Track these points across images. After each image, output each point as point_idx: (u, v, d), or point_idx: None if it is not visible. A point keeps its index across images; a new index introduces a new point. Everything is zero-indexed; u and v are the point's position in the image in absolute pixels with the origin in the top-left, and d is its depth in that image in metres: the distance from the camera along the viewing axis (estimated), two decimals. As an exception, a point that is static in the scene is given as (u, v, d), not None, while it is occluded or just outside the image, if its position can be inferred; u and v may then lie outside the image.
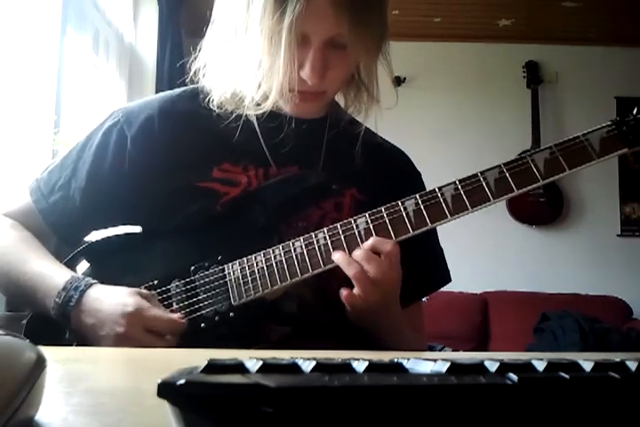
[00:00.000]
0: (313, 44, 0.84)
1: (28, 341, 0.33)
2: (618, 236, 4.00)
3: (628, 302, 3.64)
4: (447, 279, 1.04)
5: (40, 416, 0.31)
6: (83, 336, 0.83)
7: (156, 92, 3.03)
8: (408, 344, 0.92)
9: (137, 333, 0.78)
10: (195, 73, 0.94)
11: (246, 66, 0.87)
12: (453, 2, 3.67)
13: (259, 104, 0.89)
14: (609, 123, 0.83)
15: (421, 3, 3.63)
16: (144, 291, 0.84)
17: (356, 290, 0.80)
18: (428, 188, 0.90)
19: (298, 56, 0.83)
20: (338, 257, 0.81)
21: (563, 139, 0.83)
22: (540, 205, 3.90)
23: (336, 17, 0.82)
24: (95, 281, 0.84)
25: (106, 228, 0.97)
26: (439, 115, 4.04)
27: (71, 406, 0.36)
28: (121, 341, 0.78)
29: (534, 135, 3.97)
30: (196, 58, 0.93)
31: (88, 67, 2.75)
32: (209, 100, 0.93)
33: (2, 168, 1.93)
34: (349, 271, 0.80)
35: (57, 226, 0.96)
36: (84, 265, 0.92)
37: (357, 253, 0.80)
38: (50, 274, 0.86)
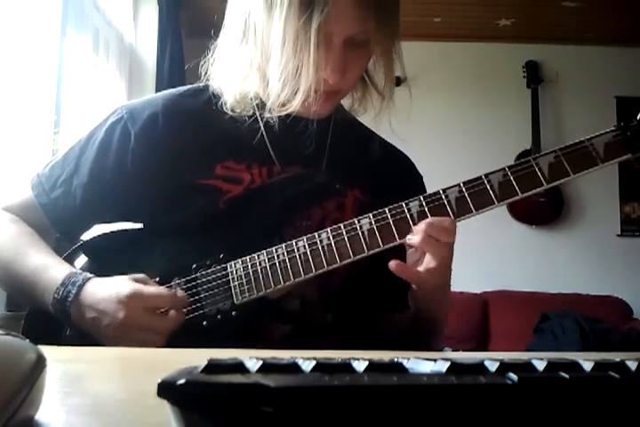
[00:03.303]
0: (335, 44, 0.84)
1: (27, 340, 0.33)
2: (618, 236, 4.00)
3: (628, 302, 3.64)
4: None
5: (40, 416, 0.31)
6: (85, 332, 0.83)
7: (156, 92, 3.02)
8: (442, 335, 0.96)
9: (139, 315, 0.78)
10: (206, 74, 0.94)
11: (267, 68, 0.87)
12: (453, 2, 3.67)
13: (282, 106, 0.88)
14: (613, 128, 0.83)
15: (421, 3, 3.62)
16: (138, 275, 0.84)
17: (431, 264, 0.80)
18: (428, 189, 0.90)
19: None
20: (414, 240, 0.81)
21: (566, 142, 0.83)
22: (540, 205, 3.90)
23: (361, 17, 0.83)
24: (92, 275, 0.84)
25: (107, 224, 0.97)
26: (439, 114, 4.04)
27: (71, 406, 0.36)
28: (125, 327, 0.78)
29: (534, 135, 3.97)
30: (207, 59, 0.93)
31: (88, 67, 2.75)
32: (219, 102, 0.93)
33: (2, 168, 1.93)
34: (428, 248, 0.80)
35: (58, 221, 0.96)
36: (83, 261, 0.92)
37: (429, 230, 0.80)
38: (49, 269, 0.86)
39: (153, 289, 0.82)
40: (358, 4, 0.82)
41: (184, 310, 0.84)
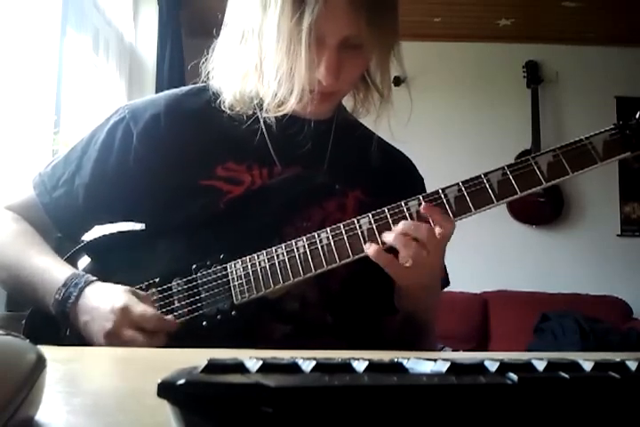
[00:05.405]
0: (328, 45, 0.84)
1: (27, 341, 0.33)
2: (618, 236, 4.00)
3: (628, 302, 3.64)
4: (446, 283, 1.04)
5: (40, 416, 0.31)
6: (80, 333, 0.83)
7: (156, 92, 3.03)
8: (434, 336, 0.95)
9: (124, 329, 0.78)
10: (207, 74, 0.94)
11: (263, 68, 0.87)
12: (453, 2, 3.67)
13: (278, 106, 0.88)
14: (612, 126, 0.83)
15: (421, 3, 3.62)
16: (140, 291, 0.84)
17: (406, 260, 0.80)
18: (428, 189, 0.90)
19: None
20: (390, 238, 0.81)
21: (566, 142, 0.83)
22: (540, 205, 3.90)
23: (353, 17, 0.83)
24: (95, 278, 0.84)
25: (108, 224, 0.97)
26: (439, 115, 4.04)
27: (71, 406, 0.36)
28: (108, 337, 0.78)
29: (534, 135, 3.97)
30: (207, 59, 0.93)
31: (88, 67, 2.75)
32: (218, 101, 0.93)
33: (2, 168, 1.93)
34: (403, 248, 0.80)
35: (60, 221, 0.96)
36: (85, 261, 0.92)
37: (407, 227, 0.80)
38: (50, 270, 0.86)
39: (142, 308, 0.80)
40: (349, 3, 0.82)
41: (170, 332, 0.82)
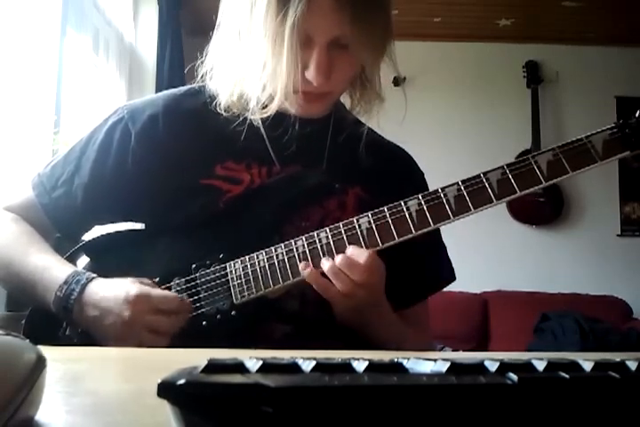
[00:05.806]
0: (316, 45, 0.84)
1: (27, 341, 0.33)
2: (618, 236, 4.00)
3: (628, 302, 3.64)
4: (452, 278, 1.04)
5: (40, 416, 0.31)
6: (86, 330, 0.83)
7: (156, 92, 3.03)
8: (411, 344, 0.92)
9: (144, 315, 0.79)
10: (202, 77, 0.94)
11: (251, 68, 0.87)
12: (453, 2, 3.67)
13: (264, 107, 0.89)
14: (612, 125, 0.83)
15: (421, 3, 3.62)
16: (144, 279, 0.85)
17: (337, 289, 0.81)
18: (429, 188, 0.90)
19: (302, 57, 0.83)
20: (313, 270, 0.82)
21: (565, 141, 0.83)
22: (540, 205, 3.90)
23: (338, 17, 0.82)
24: (95, 275, 0.84)
25: (108, 224, 0.97)
26: (439, 115, 4.04)
27: (71, 406, 0.36)
28: (129, 326, 0.78)
29: (534, 135, 3.97)
30: (202, 62, 0.93)
31: (88, 67, 2.75)
32: (214, 103, 0.93)
33: (2, 168, 1.93)
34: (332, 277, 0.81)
35: (59, 221, 0.96)
36: (84, 261, 0.92)
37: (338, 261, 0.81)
38: (51, 269, 0.86)
39: (160, 291, 0.82)
40: (336, 4, 0.81)
41: (189, 314, 0.84)
